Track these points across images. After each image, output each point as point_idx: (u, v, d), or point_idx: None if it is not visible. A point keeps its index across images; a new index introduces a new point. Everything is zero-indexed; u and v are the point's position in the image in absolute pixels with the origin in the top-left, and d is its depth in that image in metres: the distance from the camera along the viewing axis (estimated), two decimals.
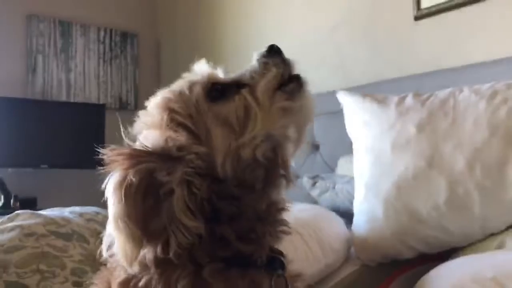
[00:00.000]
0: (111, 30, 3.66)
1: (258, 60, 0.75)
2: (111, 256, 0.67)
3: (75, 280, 0.99)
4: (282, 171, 0.75)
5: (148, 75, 3.81)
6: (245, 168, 0.69)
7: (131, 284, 0.65)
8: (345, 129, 1.72)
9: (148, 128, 0.71)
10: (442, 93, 1.51)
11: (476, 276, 1.12)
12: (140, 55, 3.80)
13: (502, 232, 1.35)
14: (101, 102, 3.51)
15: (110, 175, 0.64)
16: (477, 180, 1.33)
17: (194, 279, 0.64)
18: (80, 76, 3.52)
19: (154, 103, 0.74)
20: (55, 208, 1.38)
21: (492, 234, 1.37)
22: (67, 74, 3.46)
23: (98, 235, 1.24)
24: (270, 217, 0.72)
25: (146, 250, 0.64)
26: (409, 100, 1.53)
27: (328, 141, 2.32)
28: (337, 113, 1.79)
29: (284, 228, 0.75)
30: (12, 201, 2.88)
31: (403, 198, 1.40)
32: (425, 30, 2.18)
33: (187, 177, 0.63)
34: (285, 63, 0.75)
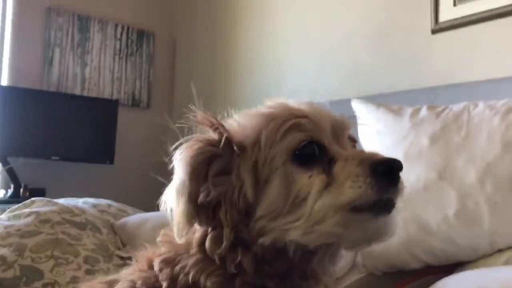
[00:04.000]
0: (128, 27, 3.70)
1: (362, 167, 0.64)
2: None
3: (87, 268, 1.01)
4: (329, 267, 0.70)
5: (162, 74, 3.84)
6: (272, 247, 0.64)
7: (170, 264, 0.66)
8: (357, 137, 1.72)
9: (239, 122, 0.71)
10: (456, 107, 1.52)
11: None
12: (156, 54, 3.83)
13: (510, 248, 1.35)
14: (114, 98, 3.54)
15: (183, 146, 0.66)
16: (488, 194, 1.33)
17: (225, 281, 0.64)
18: (95, 71, 3.55)
19: (260, 110, 0.70)
20: (69, 198, 1.40)
21: (500, 250, 1.37)
22: (83, 68, 3.50)
23: (110, 226, 1.26)
24: (306, 276, 0.67)
25: (196, 229, 0.67)
26: (424, 112, 1.54)
27: None
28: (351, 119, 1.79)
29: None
30: (21, 190, 2.91)
31: (413, 209, 1.41)
32: (441, 44, 2.18)
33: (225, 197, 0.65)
34: (384, 190, 0.63)
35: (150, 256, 0.70)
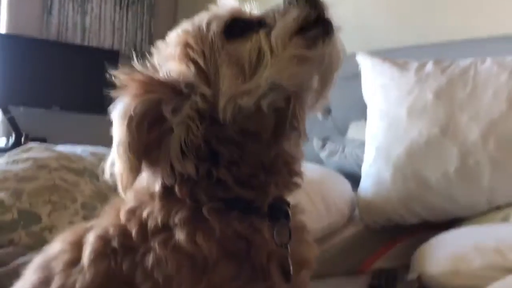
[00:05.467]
0: None
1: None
2: (111, 177, 0.67)
3: (85, 214, 1.01)
4: (295, 123, 0.69)
5: (163, 25, 3.75)
6: (247, 116, 0.64)
7: (137, 213, 0.66)
8: (359, 93, 1.70)
9: (166, 60, 0.68)
10: (463, 62, 1.49)
11: (478, 245, 1.14)
12: (157, 4, 3.74)
13: (507, 205, 1.36)
14: (115, 48, 3.48)
15: (118, 100, 0.63)
16: (490, 152, 1.32)
17: (192, 213, 0.64)
18: (96, 20, 3.47)
19: (174, 35, 0.70)
20: (67, 145, 1.40)
21: (498, 208, 1.37)
22: (83, 17, 3.42)
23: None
24: (276, 167, 0.68)
25: (152, 182, 0.66)
26: (430, 66, 1.51)
27: (341, 105, 2.30)
28: (352, 77, 1.76)
29: (297, 180, 0.71)
30: (23, 139, 2.91)
31: (413, 164, 1.40)
32: None
33: (188, 120, 0.62)
34: (313, 5, 0.65)
35: (117, 207, 0.69)
